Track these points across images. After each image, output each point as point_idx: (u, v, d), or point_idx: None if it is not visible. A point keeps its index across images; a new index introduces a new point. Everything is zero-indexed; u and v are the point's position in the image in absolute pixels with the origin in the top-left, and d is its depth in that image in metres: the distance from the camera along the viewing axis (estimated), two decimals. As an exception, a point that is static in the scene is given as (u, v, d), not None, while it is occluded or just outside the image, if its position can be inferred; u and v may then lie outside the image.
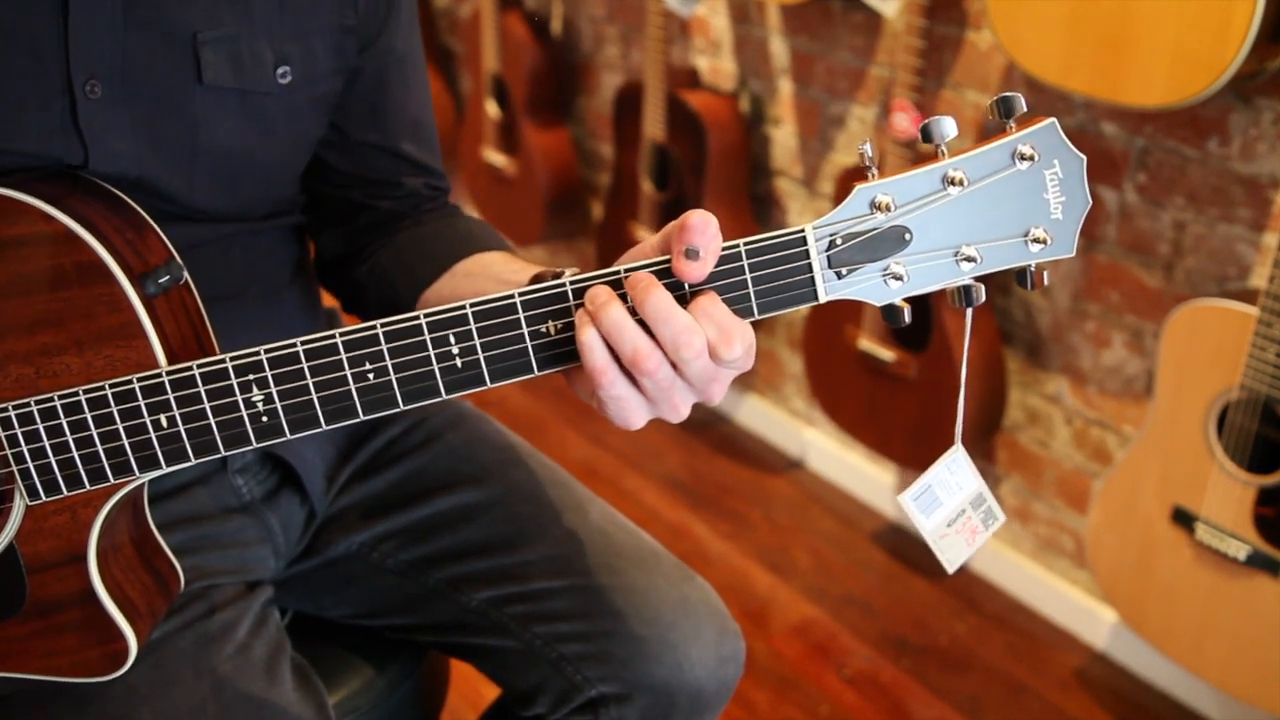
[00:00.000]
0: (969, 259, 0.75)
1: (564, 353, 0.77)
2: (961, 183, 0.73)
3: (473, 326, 0.76)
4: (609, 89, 2.90)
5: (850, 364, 2.25)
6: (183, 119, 0.91)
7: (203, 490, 1.05)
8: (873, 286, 0.75)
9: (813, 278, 0.74)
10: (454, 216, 1.09)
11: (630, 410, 0.75)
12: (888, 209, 0.73)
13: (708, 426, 2.84)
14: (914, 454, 2.22)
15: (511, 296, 0.75)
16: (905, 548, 2.39)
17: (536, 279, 0.84)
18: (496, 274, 0.97)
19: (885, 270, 0.75)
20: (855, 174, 2.16)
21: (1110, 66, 1.61)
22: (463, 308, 0.76)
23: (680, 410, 0.75)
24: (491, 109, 3.03)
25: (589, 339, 0.72)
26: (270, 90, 0.94)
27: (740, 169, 2.50)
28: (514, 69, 2.94)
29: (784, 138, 2.48)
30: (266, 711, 0.95)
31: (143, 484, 0.86)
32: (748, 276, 0.75)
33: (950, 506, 0.85)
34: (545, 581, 1.05)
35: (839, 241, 0.74)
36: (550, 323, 0.76)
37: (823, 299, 0.75)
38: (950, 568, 0.84)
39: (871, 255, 0.74)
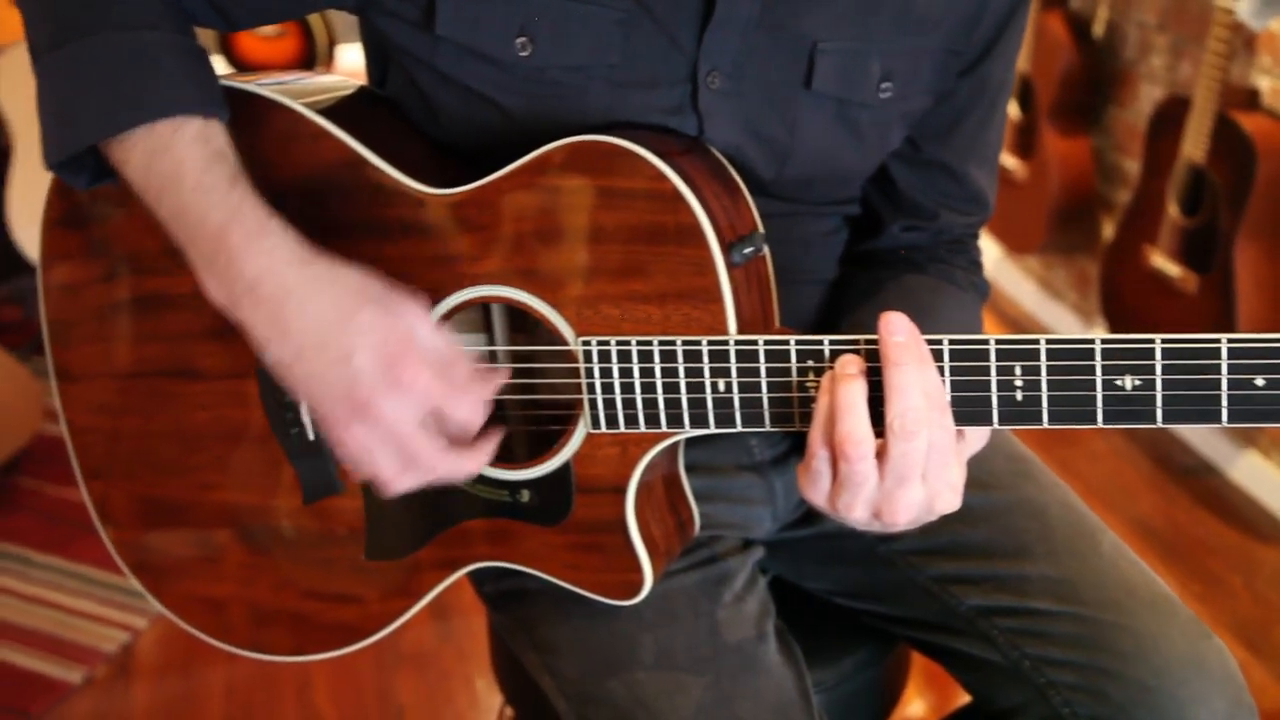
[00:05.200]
0: None
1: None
2: None
3: (1042, 364, 0.78)
4: (1146, 101, 2.71)
5: (1390, 439, 1.98)
6: (784, 119, 0.96)
7: (719, 444, 1.10)
8: None
9: None
10: (943, 292, 1.07)
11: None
12: None
13: (1193, 476, 2.61)
14: None
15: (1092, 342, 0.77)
16: None
17: None
18: None
19: None
20: None
21: None
22: (1036, 341, 0.77)
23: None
24: (1011, 109, 2.93)
25: None
26: (869, 103, 0.97)
27: (1288, 204, 2.26)
28: (1044, 69, 2.83)
29: (1350, 175, 2.20)
30: (754, 665, 0.99)
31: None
32: None
33: None
34: (1044, 603, 1.02)
35: None
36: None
37: None
38: None
39: None
